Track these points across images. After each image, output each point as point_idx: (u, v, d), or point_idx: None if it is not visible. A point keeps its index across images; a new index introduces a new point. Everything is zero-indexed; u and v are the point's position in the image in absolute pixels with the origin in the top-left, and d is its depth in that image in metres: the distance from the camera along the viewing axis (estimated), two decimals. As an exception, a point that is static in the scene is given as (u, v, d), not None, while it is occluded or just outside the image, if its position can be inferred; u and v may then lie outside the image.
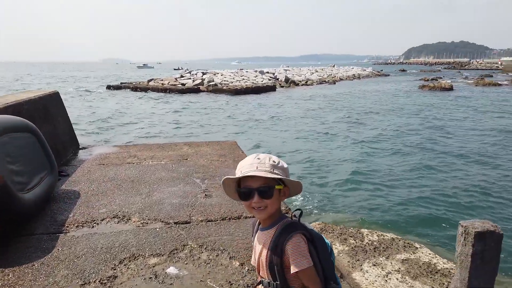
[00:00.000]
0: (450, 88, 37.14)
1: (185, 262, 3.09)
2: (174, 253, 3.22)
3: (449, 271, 2.98)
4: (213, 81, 36.85)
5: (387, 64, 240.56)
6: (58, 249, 3.25)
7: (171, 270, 2.97)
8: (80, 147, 7.26)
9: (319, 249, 1.45)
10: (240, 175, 1.41)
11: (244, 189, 1.42)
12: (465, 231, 2.61)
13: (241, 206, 4.23)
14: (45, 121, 5.92)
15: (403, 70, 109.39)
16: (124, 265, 3.04)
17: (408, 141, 13.69)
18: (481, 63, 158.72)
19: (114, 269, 2.96)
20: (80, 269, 2.94)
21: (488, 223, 2.62)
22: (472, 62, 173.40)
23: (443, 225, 6.27)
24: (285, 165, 1.45)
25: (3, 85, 44.96)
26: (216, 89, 34.14)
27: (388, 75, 74.85)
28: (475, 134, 15.24)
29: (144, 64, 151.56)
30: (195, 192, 4.69)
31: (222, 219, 3.91)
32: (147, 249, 3.28)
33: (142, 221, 3.85)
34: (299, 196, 7.89)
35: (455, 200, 7.53)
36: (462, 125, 17.62)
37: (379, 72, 79.15)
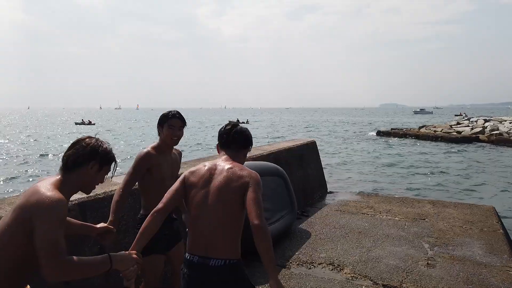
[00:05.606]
0: None
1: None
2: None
3: None
4: (497, 129, 31.88)
5: None
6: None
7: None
8: (328, 191, 8.05)
9: None
10: None
11: None
12: None
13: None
14: (299, 167, 7.00)
15: None
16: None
17: None
18: None
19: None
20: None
21: None
22: None
23: None
24: None
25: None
26: (499, 139, 29.30)
27: None
28: None
29: (421, 109, 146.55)
30: (417, 257, 4.41)
31: (435, 295, 3.54)
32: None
33: (352, 275, 3.99)
34: None
35: None
36: None
37: None
